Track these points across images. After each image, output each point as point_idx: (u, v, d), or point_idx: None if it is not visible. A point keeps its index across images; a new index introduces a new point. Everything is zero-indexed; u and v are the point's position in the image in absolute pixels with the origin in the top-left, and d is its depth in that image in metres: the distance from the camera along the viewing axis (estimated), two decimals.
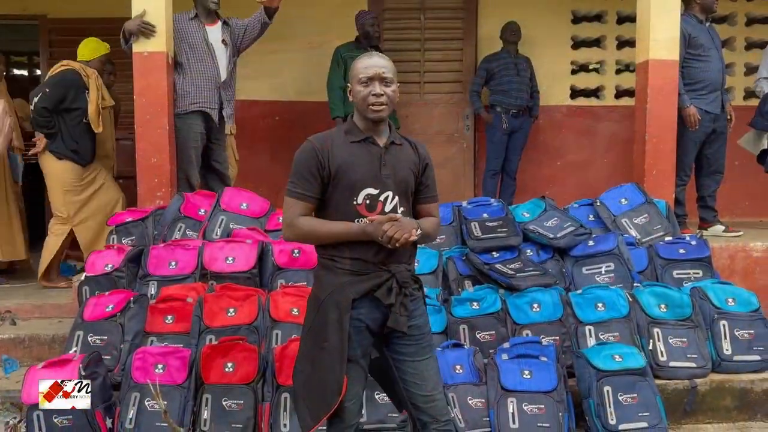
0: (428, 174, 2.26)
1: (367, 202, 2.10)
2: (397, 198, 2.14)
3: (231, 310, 3.18)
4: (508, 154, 5.65)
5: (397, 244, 2.01)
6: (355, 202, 2.10)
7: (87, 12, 5.82)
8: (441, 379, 2.27)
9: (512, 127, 5.60)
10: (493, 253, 3.70)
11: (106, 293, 3.35)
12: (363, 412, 2.58)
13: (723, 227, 4.76)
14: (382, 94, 2.10)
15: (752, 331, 3.33)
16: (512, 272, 3.54)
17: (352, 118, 2.21)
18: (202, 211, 3.88)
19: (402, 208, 2.16)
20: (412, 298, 2.19)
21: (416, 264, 2.38)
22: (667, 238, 3.86)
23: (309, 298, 2.25)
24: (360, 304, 2.11)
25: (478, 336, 3.29)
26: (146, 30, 4.01)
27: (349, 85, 2.19)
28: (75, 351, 3.11)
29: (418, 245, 2.26)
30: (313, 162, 2.09)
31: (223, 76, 4.32)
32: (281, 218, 2.20)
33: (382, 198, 2.12)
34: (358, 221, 2.09)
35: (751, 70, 5.97)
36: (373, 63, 2.14)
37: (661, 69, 4.22)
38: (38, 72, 7.59)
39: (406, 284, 2.14)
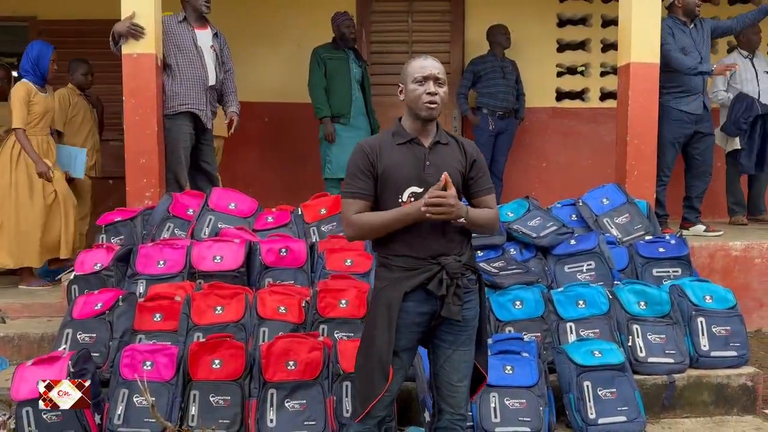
0: (477, 168, 2.32)
1: (412, 199, 2.20)
2: None
3: (219, 308, 3.22)
4: (494, 155, 5.74)
5: (439, 213, 2.09)
6: (400, 200, 2.21)
7: (77, 14, 5.87)
8: (470, 373, 2.33)
9: (498, 128, 5.70)
10: (478, 251, 3.77)
11: (96, 292, 3.39)
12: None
13: (704, 227, 4.85)
14: (436, 93, 2.20)
15: (729, 328, 3.41)
16: (496, 270, 3.60)
17: (400, 120, 2.31)
18: (191, 210, 3.93)
19: None
20: (466, 290, 2.25)
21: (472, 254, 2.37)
22: (647, 237, 3.94)
23: (368, 293, 2.33)
24: (410, 297, 2.19)
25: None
26: (135, 32, 4.05)
27: (400, 85, 2.27)
28: (64, 348, 3.15)
29: (477, 235, 2.33)
30: (363, 162, 2.21)
31: (212, 80, 4.37)
32: (342, 220, 2.29)
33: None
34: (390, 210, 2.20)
35: None
36: (428, 64, 2.24)
37: (643, 72, 4.30)
38: None
39: (456, 275, 2.19)
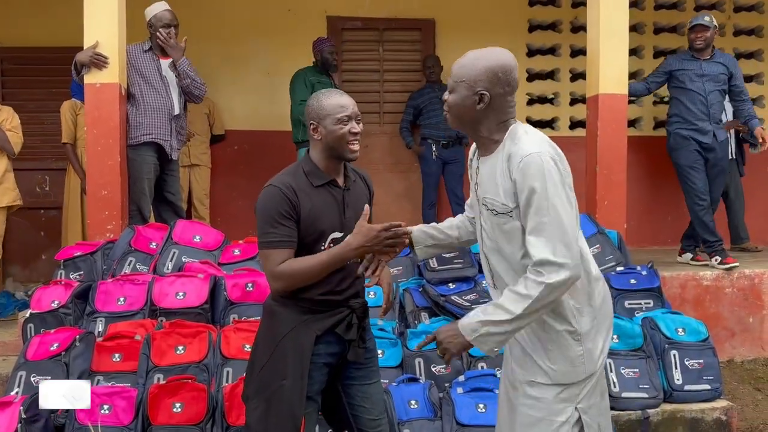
0: (372, 198, 2.34)
1: (332, 245, 2.11)
2: None
3: (180, 347, 3.10)
4: (449, 185, 5.82)
5: (390, 254, 2.06)
6: (322, 247, 2.11)
7: (41, 41, 5.75)
8: (385, 403, 2.31)
9: (444, 157, 5.80)
10: (450, 284, 3.71)
11: (52, 331, 3.25)
12: None
13: (691, 256, 4.94)
14: (359, 132, 2.12)
15: (702, 361, 3.38)
16: (468, 303, 3.53)
17: (309, 156, 2.18)
18: (154, 244, 3.81)
19: None
20: (364, 325, 2.24)
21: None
22: (619, 269, 3.91)
23: (259, 332, 2.20)
24: (321, 339, 2.11)
25: (433, 369, 3.27)
26: (98, 61, 3.96)
27: (312, 122, 2.14)
28: (17, 392, 3.00)
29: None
30: (284, 207, 2.05)
31: (176, 109, 4.28)
32: (266, 273, 2.10)
33: None
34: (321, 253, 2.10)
35: None
36: (347, 102, 2.13)
37: (611, 103, 4.32)
38: None
39: (363, 317, 2.19)
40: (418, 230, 2.26)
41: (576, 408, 1.96)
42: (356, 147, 2.12)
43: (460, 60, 1.98)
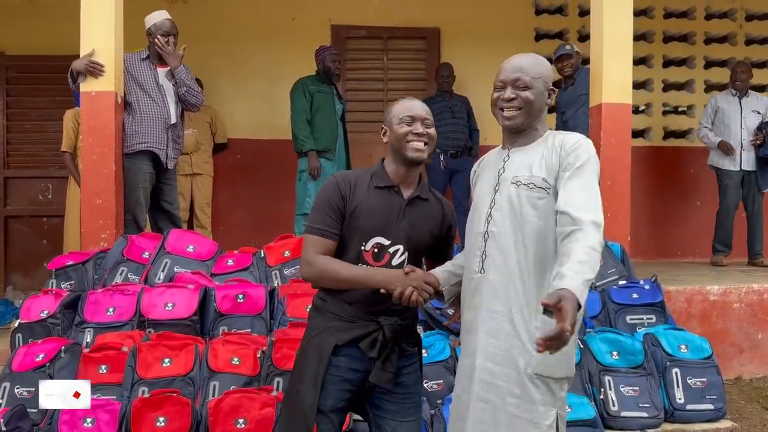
0: (450, 236, 2.21)
1: (375, 250, 2.04)
2: (407, 253, 2.08)
3: (166, 360, 3.04)
4: (455, 195, 5.71)
5: (410, 304, 1.95)
6: (363, 248, 2.04)
7: (45, 49, 5.76)
8: None
9: (452, 167, 5.69)
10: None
11: (39, 341, 3.21)
12: None
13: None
14: (424, 134, 2.07)
15: (705, 379, 3.27)
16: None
17: (383, 162, 2.15)
18: (147, 254, 3.76)
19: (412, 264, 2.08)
20: (404, 354, 2.09)
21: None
22: (621, 282, 3.81)
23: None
24: (342, 352, 2.02)
25: (426, 385, 3.18)
26: (94, 69, 3.93)
27: (384, 127, 2.14)
28: (0, 404, 2.95)
29: None
30: (334, 197, 2.04)
31: (173, 118, 4.25)
32: (302, 256, 2.08)
33: (391, 250, 2.06)
34: (361, 266, 2.04)
35: None
36: (416, 105, 2.12)
37: (614, 112, 4.22)
38: None
39: (395, 338, 2.03)
40: (441, 271, 2.15)
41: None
42: (420, 146, 2.05)
43: (527, 59, 2.03)
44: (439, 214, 2.17)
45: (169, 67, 4.24)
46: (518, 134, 2.03)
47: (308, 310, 2.20)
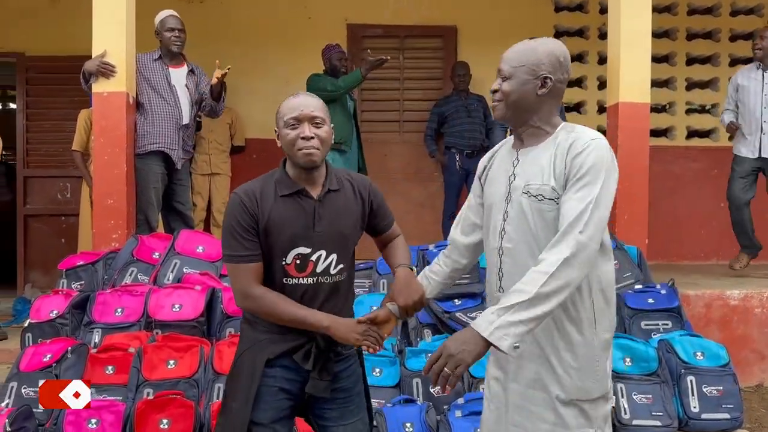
0: (376, 207, 2.07)
1: (297, 262, 1.92)
2: (333, 255, 1.96)
3: (171, 361, 3.04)
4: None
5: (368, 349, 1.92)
6: (284, 262, 1.92)
7: (64, 50, 5.80)
8: None
9: (467, 167, 5.60)
10: (456, 300, 3.56)
11: (47, 341, 3.23)
12: None
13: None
14: (313, 137, 1.89)
15: (721, 388, 3.17)
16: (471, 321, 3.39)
17: (284, 165, 2.00)
18: (157, 254, 3.76)
19: (341, 265, 1.98)
20: (340, 357, 2.03)
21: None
22: (637, 287, 3.71)
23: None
24: (276, 363, 1.95)
25: (432, 390, 3.13)
26: (106, 70, 3.95)
27: (275, 129, 1.99)
28: (7, 404, 2.97)
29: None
30: (244, 217, 1.89)
31: (185, 119, 4.26)
32: (235, 289, 1.95)
33: (314, 258, 1.94)
34: (286, 281, 1.93)
35: None
36: (300, 102, 1.92)
37: (632, 111, 4.13)
38: (12, 106, 7.61)
39: (329, 346, 1.96)
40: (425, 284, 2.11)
41: None
42: (310, 151, 1.88)
43: (516, 47, 1.88)
44: (356, 198, 2.03)
45: (182, 67, 4.25)
46: (520, 131, 1.90)
47: (240, 323, 2.10)
